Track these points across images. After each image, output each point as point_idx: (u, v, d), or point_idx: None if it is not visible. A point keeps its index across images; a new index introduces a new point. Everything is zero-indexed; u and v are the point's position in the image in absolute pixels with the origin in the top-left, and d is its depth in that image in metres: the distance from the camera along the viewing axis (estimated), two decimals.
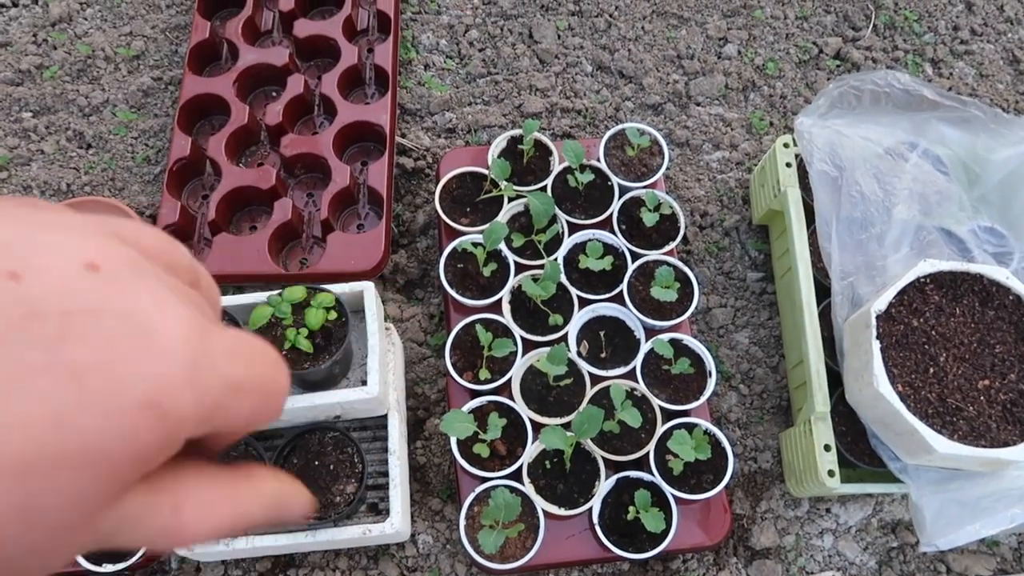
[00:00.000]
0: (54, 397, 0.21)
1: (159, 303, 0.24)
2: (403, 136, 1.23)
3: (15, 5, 1.34)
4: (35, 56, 1.29)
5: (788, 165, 1.05)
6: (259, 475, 0.29)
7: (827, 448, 0.92)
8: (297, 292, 0.87)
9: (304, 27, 1.26)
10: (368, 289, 0.93)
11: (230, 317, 0.91)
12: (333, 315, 0.88)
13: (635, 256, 1.05)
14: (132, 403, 0.22)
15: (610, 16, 1.34)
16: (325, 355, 0.88)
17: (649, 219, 1.04)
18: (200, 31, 1.25)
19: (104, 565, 0.90)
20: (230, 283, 1.10)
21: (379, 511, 0.97)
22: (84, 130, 1.23)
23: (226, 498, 0.27)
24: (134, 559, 0.91)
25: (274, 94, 1.25)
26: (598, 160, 1.11)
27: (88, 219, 0.25)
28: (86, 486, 0.22)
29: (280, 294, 0.87)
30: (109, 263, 0.23)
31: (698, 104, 1.27)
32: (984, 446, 0.84)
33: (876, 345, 0.87)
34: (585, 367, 0.99)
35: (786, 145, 1.06)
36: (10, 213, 0.24)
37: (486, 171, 1.10)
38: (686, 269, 1.03)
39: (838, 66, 1.31)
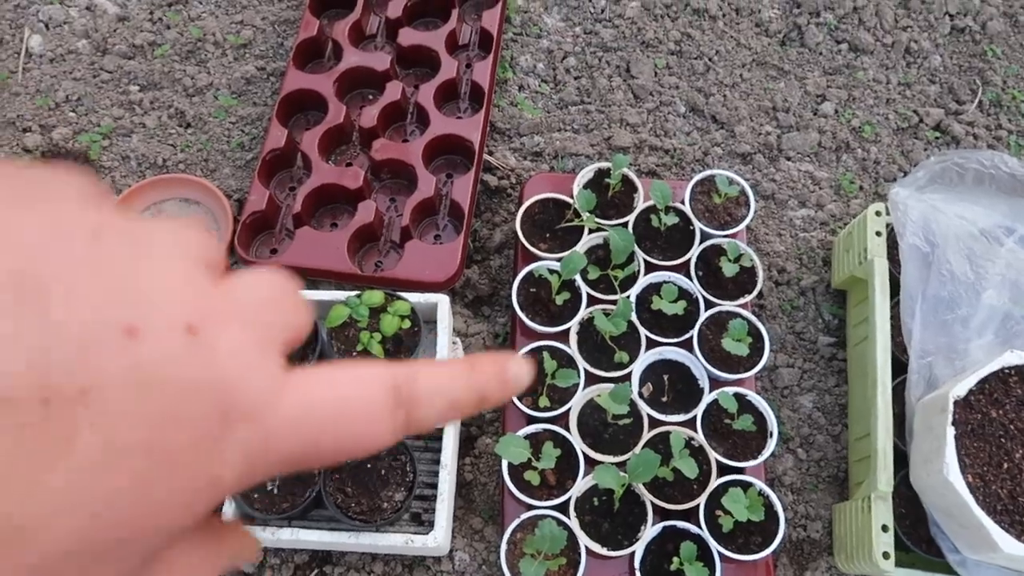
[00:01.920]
0: (146, 477, 0.20)
1: (243, 371, 0.22)
2: (490, 154, 1.24)
3: None
4: (149, 33, 1.34)
5: (878, 234, 1.03)
6: (229, 532, 0.28)
7: (885, 529, 0.89)
8: (375, 297, 0.88)
9: (408, 36, 1.28)
10: (443, 302, 0.94)
11: None
12: (407, 323, 0.89)
13: (708, 304, 1.04)
14: (204, 482, 0.22)
15: (709, 60, 1.34)
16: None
17: (729, 269, 1.03)
18: (308, 28, 1.28)
19: None
20: (305, 277, 1.13)
21: (421, 522, 0.97)
22: (186, 109, 1.27)
23: (207, 561, 0.26)
24: None
25: (370, 97, 1.27)
26: (682, 203, 1.10)
27: (185, 244, 0.23)
28: (132, 562, 0.21)
29: (359, 296, 0.88)
30: (206, 324, 0.22)
31: (788, 159, 1.26)
32: None
33: (951, 432, 0.85)
34: (645, 409, 0.98)
35: (878, 213, 1.04)
36: (114, 232, 0.21)
37: (569, 199, 1.11)
38: (759, 324, 1.02)
39: (937, 138, 1.29)
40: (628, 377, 1.00)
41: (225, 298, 0.23)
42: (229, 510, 0.92)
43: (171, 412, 0.20)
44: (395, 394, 0.25)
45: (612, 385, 0.98)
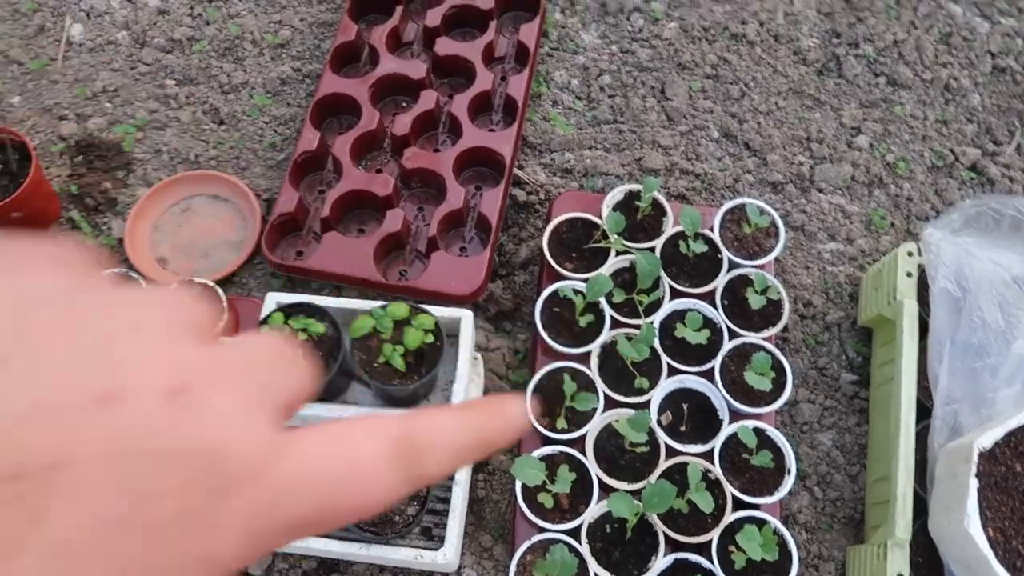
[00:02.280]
0: (127, 558, 0.18)
1: (233, 435, 0.21)
2: (521, 168, 1.24)
3: None
4: (188, 28, 1.34)
5: (909, 275, 1.01)
6: None
7: None
8: (400, 310, 0.88)
9: (445, 45, 1.28)
10: (466, 317, 0.94)
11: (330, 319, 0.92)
12: (430, 338, 0.89)
13: (732, 335, 1.03)
14: (197, 559, 0.20)
15: (745, 85, 1.33)
16: (415, 375, 0.89)
17: (756, 301, 1.02)
18: (346, 32, 1.29)
19: None
20: (330, 282, 1.13)
21: (431, 536, 0.97)
22: (220, 106, 1.28)
23: None
24: None
25: (404, 104, 1.27)
26: (711, 230, 1.09)
27: (169, 308, 0.23)
28: None
29: (384, 308, 0.88)
30: (191, 388, 0.20)
31: (820, 190, 1.25)
32: None
33: (973, 483, 0.84)
34: (663, 437, 0.97)
35: (909, 253, 1.03)
36: (91, 298, 0.21)
37: (598, 220, 1.10)
38: (783, 359, 1.01)
39: (972, 178, 1.27)
40: (647, 404, 0.99)
41: (213, 360, 0.22)
42: None
43: (153, 483, 0.19)
44: (397, 447, 0.24)
45: (631, 411, 0.97)
